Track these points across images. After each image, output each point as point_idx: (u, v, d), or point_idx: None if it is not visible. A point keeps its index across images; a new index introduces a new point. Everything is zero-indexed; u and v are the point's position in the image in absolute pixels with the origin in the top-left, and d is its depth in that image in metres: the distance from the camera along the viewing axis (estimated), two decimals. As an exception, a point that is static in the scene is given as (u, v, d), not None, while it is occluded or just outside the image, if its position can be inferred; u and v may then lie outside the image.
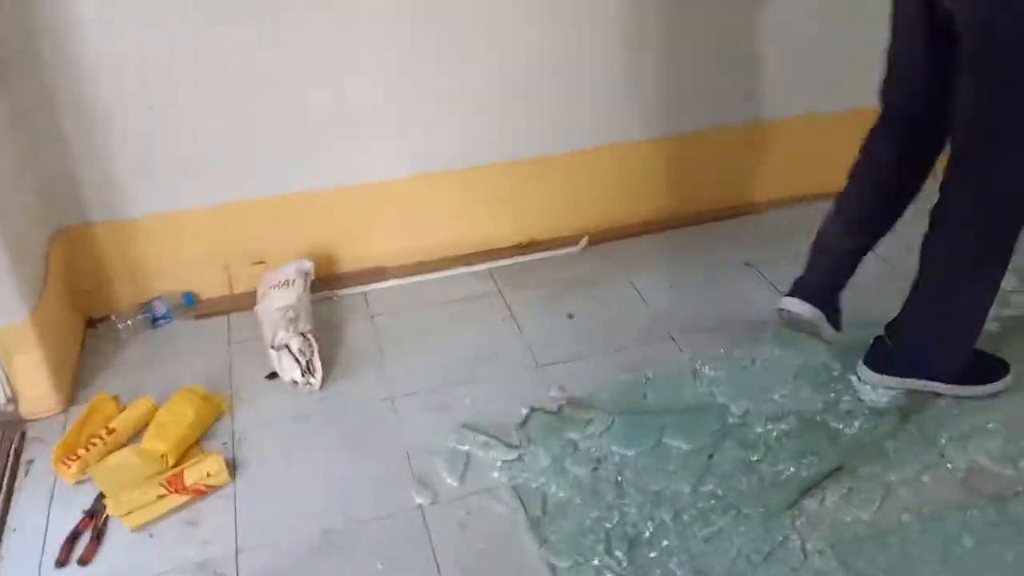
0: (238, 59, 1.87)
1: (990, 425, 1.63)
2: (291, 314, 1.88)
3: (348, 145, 2.04)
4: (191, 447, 1.70)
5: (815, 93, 2.30)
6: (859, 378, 1.75)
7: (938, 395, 1.70)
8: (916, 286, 1.66)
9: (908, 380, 1.71)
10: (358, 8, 1.89)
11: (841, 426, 1.65)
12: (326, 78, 1.95)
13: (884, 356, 1.73)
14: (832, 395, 1.73)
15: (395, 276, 2.20)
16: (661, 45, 2.13)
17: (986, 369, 1.71)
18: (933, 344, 1.68)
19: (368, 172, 2.09)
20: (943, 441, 1.61)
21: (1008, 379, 1.69)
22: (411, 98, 2.03)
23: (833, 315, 1.81)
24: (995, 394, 1.69)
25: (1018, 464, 1.55)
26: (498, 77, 2.05)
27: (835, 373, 1.79)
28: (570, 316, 2.04)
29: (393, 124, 2.05)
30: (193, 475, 1.59)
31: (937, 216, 1.57)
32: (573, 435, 1.68)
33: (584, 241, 2.28)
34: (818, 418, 1.67)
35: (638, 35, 2.10)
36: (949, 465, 1.56)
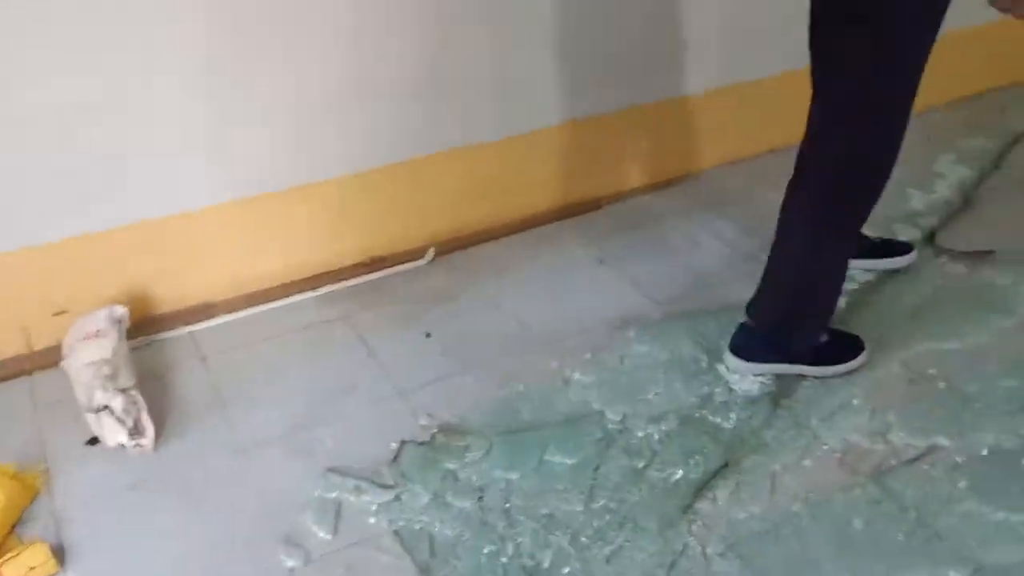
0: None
1: (855, 402, 1.67)
2: (107, 370, 1.63)
3: (151, 174, 1.80)
4: (5, 537, 1.43)
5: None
6: (727, 367, 1.74)
7: (803, 377, 1.72)
8: (770, 261, 1.69)
9: (773, 365, 1.72)
10: (154, 29, 1.67)
11: (719, 420, 1.63)
12: (119, 104, 1.71)
13: (748, 343, 1.74)
14: (705, 388, 1.71)
15: (225, 311, 1.97)
16: (495, 45, 2.04)
17: (843, 347, 1.75)
18: (791, 322, 1.71)
19: (177, 202, 1.85)
20: (814, 423, 1.62)
21: (864, 355, 1.74)
22: (221, 118, 1.82)
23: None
24: (854, 371, 1.73)
25: (887, 437, 1.59)
26: (320, 86, 1.89)
27: (703, 364, 1.77)
28: (427, 335, 1.91)
29: (201, 148, 1.83)
30: (13, 571, 1.33)
31: (791, 186, 1.61)
32: (451, 465, 1.55)
33: (431, 252, 2.16)
34: (696, 415, 1.65)
35: (472, 37, 2.00)
36: (824, 446, 1.57)
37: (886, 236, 2.08)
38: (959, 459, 1.53)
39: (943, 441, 1.57)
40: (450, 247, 2.20)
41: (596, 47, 2.17)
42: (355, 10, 1.84)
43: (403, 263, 2.14)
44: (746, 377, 1.72)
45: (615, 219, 2.32)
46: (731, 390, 1.70)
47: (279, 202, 1.96)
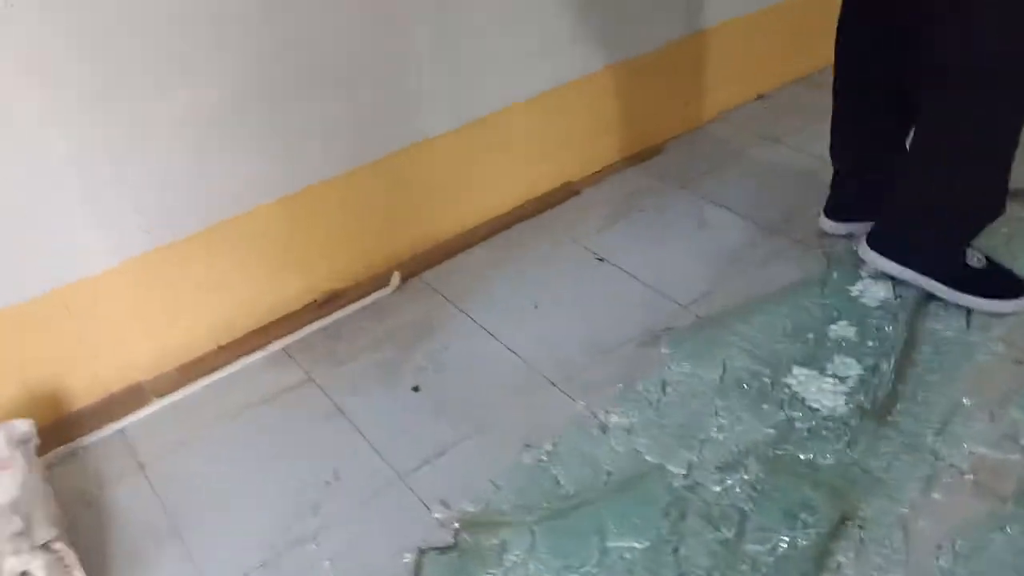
0: None
1: (965, 401, 1.35)
2: (16, 523, 1.19)
3: (35, 240, 1.35)
4: None
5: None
6: (861, 259, 1.58)
7: (910, 355, 1.41)
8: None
9: (906, 271, 1.51)
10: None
11: (812, 456, 1.29)
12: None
13: (880, 236, 1.55)
14: (780, 414, 1.36)
15: (158, 393, 1.55)
16: (435, 33, 1.62)
17: (999, 281, 1.49)
18: (941, 212, 1.47)
19: (74, 268, 1.41)
20: (929, 439, 1.30)
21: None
22: (111, 158, 1.37)
23: None
24: (1006, 315, 1.47)
25: (1021, 442, 1.27)
26: (223, 103, 1.45)
27: (765, 380, 1.43)
28: (416, 389, 1.52)
29: (93, 198, 1.38)
30: None
31: None
32: (491, 572, 1.18)
33: (396, 277, 1.76)
34: (779, 452, 1.30)
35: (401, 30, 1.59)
36: (952, 468, 1.25)
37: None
38: (1112, 461, 1.23)
39: (1086, 440, 1.26)
40: (416, 266, 1.80)
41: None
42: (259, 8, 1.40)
43: (364, 295, 1.74)
44: (878, 280, 1.54)
45: (600, 205, 1.94)
46: (811, 408, 1.36)
47: (199, 246, 1.53)
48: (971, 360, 1.41)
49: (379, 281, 1.76)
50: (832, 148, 1.67)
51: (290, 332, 1.66)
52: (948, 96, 1.37)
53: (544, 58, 1.81)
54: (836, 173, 1.70)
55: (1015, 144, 1.40)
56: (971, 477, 1.23)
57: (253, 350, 1.62)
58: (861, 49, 1.56)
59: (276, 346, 1.64)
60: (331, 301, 1.72)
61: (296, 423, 1.47)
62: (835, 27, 1.56)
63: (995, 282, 1.50)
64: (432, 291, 1.74)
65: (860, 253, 1.58)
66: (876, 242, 1.56)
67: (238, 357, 1.61)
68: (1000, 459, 1.25)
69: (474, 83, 1.73)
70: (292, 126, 1.53)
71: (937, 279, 1.51)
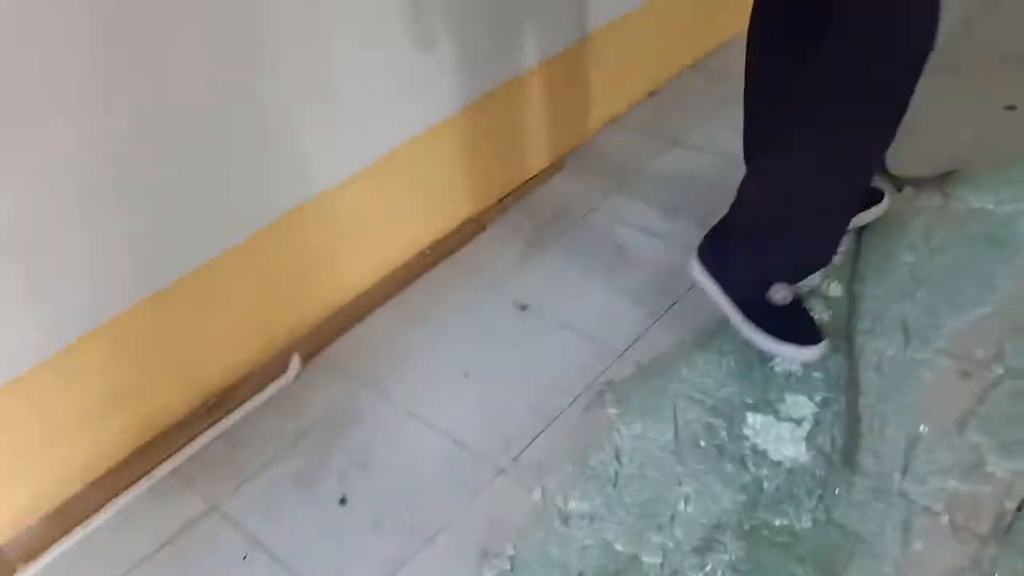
0: None
1: (923, 428, 1.30)
2: None
3: None
4: None
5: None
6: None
7: (857, 382, 1.37)
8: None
9: (714, 289, 1.44)
10: None
11: (788, 521, 1.20)
12: None
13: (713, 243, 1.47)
14: (746, 475, 1.28)
15: (22, 559, 1.30)
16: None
17: (795, 325, 1.42)
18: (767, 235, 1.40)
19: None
20: (897, 479, 1.24)
21: (815, 350, 1.40)
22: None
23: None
24: (790, 359, 1.41)
25: (986, 471, 1.23)
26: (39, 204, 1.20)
27: (722, 433, 1.34)
28: (343, 501, 1.34)
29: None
30: None
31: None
32: None
33: (295, 361, 1.56)
34: (755, 523, 1.21)
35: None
36: (926, 510, 1.20)
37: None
38: (1079, 473, 1.22)
39: (1051, 454, 1.25)
40: (316, 343, 1.60)
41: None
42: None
43: (261, 388, 1.53)
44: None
45: (510, 239, 1.80)
46: (776, 463, 1.29)
47: (47, 372, 1.28)
48: (918, 380, 1.38)
49: (276, 368, 1.55)
50: (745, 152, 1.58)
51: (179, 448, 1.43)
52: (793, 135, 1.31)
53: (423, 92, 1.62)
54: None
55: (849, 203, 1.38)
56: (946, 519, 1.19)
57: (136, 479, 1.39)
58: (762, 50, 1.47)
59: (164, 468, 1.41)
60: (223, 401, 1.50)
61: (206, 570, 1.26)
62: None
63: (790, 325, 1.42)
64: (340, 371, 1.55)
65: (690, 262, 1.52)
66: (700, 251, 1.48)
67: (117, 492, 1.37)
68: (970, 493, 1.22)
69: (353, 132, 1.53)
70: (150, 210, 1.29)
71: (735, 303, 1.44)
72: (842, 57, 1.20)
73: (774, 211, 1.38)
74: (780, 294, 1.43)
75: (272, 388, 1.53)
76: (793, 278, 1.46)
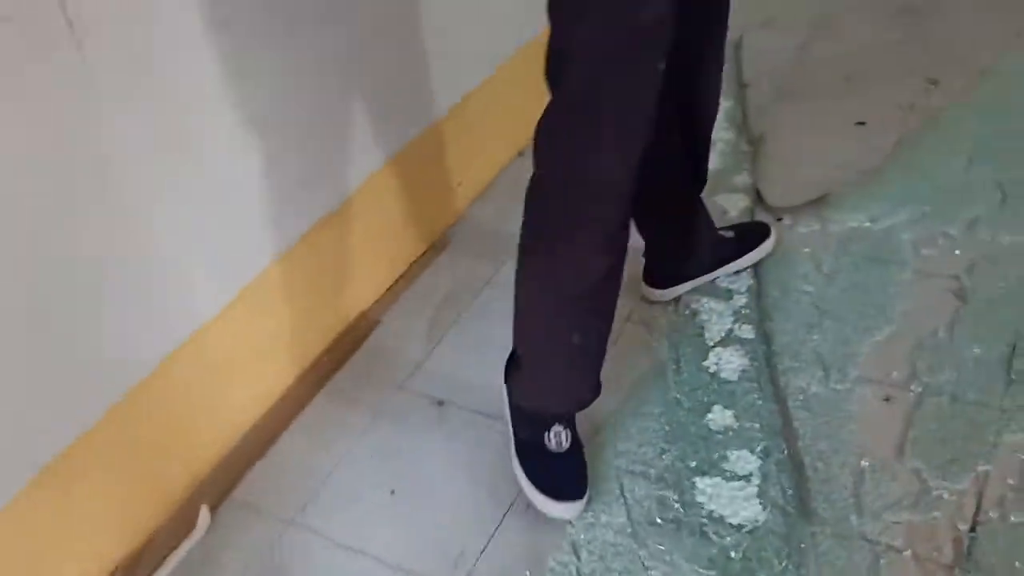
0: None
1: (864, 463, 1.32)
2: None
3: None
4: None
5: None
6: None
7: (791, 425, 1.34)
8: None
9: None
10: None
11: (765, 588, 1.19)
12: None
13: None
14: (710, 545, 1.24)
15: None
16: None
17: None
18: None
19: None
20: (854, 521, 1.25)
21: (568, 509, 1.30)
22: None
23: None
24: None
25: (932, 495, 1.26)
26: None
27: (675, 505, 1.31)
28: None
29: None
30: None
31: None
32: None
33: (204, 512, 1.40)
34: (733, 594, 1.19)
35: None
36: (890, 550, 1.21)
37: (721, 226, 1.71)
38: (1010, 482, 1.27)
39: (982, 466, 1.29)
40: (222, 486, 1.45)
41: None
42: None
43: (171, 550, 1.36)
44: (726, 346, 1.54)
45: (411, 326, 1.70)
46: (737, 527, 1.26)
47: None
48: (846, 412, 1.40)
49: (184, 523, 1.39)
50: (635, 219, 1.57)
51: (88, 642, 1.25)
52: None
53: (289, 204, 1.51)
54: (647, 241, 1.61)
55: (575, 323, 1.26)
56: (909, 553, 1.20)
57: None
58: None
59: (75, 669, 1.22)
60: (130, 571, 1.33)
61: None
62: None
63: (554, 473, 1.32)
64: (255, 513, 1.40)
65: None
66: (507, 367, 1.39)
67: None
68: (924, 521, 1.24)
69: (229, 254, 1.41)
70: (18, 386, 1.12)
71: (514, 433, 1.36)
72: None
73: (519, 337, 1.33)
74: (555, 440, 1.33)
75: (183, 548, 1.36)
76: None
